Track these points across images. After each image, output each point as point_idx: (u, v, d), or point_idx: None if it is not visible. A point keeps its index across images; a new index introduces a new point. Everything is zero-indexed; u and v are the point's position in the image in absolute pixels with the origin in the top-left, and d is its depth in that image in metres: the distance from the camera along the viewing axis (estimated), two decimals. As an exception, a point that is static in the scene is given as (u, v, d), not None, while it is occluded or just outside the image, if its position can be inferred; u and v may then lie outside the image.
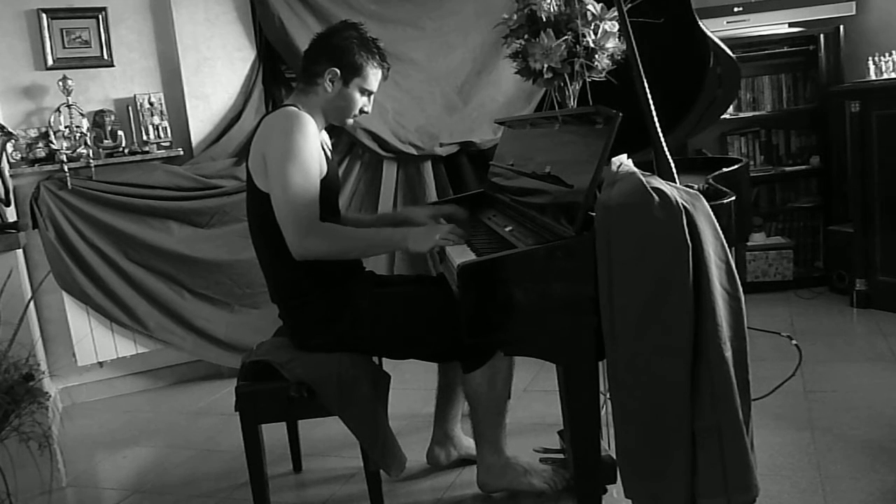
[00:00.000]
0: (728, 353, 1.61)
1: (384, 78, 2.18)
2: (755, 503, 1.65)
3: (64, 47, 3.43)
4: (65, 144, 3.31)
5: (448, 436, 2.43)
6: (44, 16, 3.38)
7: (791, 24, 3.97)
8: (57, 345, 3.41)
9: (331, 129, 3.75)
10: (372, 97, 2.17)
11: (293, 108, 2.04)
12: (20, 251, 3.13)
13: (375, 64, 2.11)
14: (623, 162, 1.81)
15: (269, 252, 2.10)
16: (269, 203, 1.98)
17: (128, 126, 3.50)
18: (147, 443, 2.99)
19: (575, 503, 2.03)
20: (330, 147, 2.26)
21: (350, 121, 2.18)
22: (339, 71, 2.07)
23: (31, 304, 3.05)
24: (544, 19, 1.96)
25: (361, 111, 2.16)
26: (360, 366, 2.04)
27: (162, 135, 3.53)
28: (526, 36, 2.02)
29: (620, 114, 1.65)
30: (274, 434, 2.40)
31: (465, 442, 2.42)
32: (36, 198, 3.28)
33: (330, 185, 2.11)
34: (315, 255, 1.97)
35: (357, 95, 2.12)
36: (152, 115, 3.52)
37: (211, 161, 3.58)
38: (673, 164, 1.80)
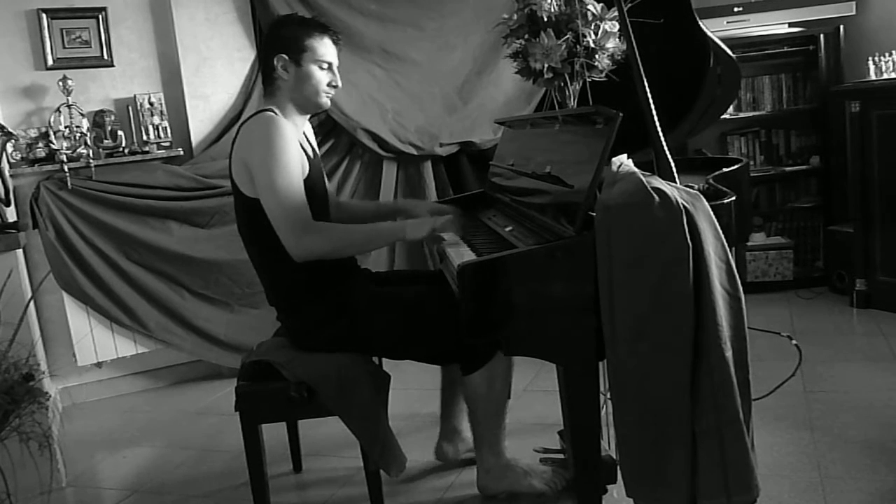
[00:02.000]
0: (728, 353, 1.61)
1: (337, 47, 2.15)
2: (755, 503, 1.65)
3: (64, 47, 3.42)
4: (65, 144, 3.31)
5: (456, 430, 2.42)
6: (44, 16, 3.37)
7: (791, 24, 3.97)
8: (57, 345, 3.41)
9: (330, 129, 3.78)
10: (335, 69, 2.14)
11: (268, 112, 2.04)
12: (20, 251, 3.13)
13: (317, 35, 2.10)
14: (623, 162, 1.81)
15: (263, 257, 2.10)
16: (258, 208, 1.98)
17: (128, 126, 3.50)
18: (147, 443, 2.99)
19: (575, 503, 2.03)
20: (314, 146, 2.25)
21: (325, 100, 2.14)
22: (286, 55, 2.07)
23: (31, 304, 3.04)
24: (545, 19, 1.96)
25: (331, 85, 2.13)
26: (360, 366, 2.04)
27: (162, 135, 3.53)
28: (526, 36, 2.02)
29: (621, 114, 1.65)
30: (274, 434, 2.40)
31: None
32: (36, 198, 3.28)
33: (314, 186, 2.09)
34: (314, 254, 1.97)
35: (316, 70, 2.09)
36: (152, 115, 3.52)
37: (211, 161, 3.57)
38: (673, 164, 1.80)
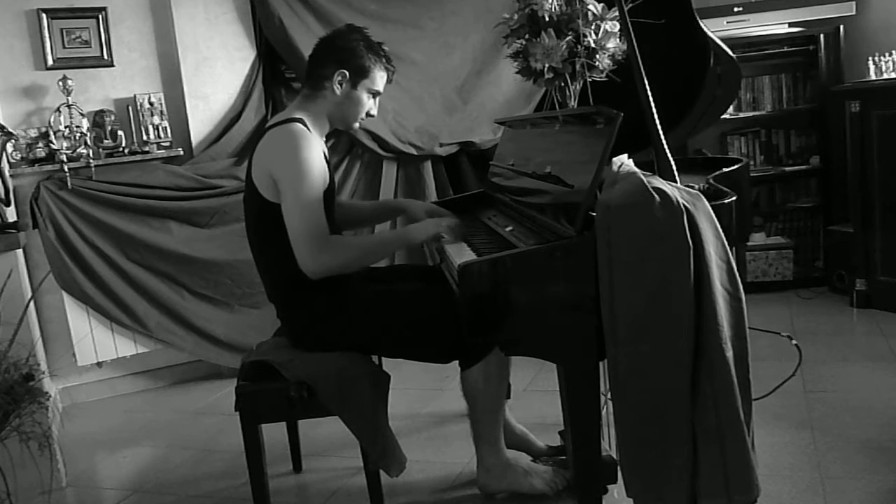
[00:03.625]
0: (729, 354, 1.61)
1: (389, 81, 2.20)
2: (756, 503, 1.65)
3: (64, 47, 3.42)
4: (65, 144, 3.31)
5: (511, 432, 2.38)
6: (44, 16, 3.37)
7: (791, 24, 3.97)
8: (57, 345, 3.41)
9: (330, 131, 3.77)
10: (377, 100, 2.20)
11: (298, 124, 2.05)
12: (20, 251, 3.13)
13: (382, 66, 2.15)
14: (624, 162, 1.81)
15: (266, 251, 2.11)
16: (276, 213, 2.00)
17: (128, 126, 3.49)
18: (147, 443, 2.99)
19: (575, 503, 2.03)
20: (327, 153, 2.27)
21: (357, 126, 2.21)
22: (347, 73, 2.09)
23: (31, 304, 3.05)
24: (545, 19, 1.96)
25: (368, 114, 2.19)
26: (360, 365, 2.04)
27: (162, 135, 3.53)
28: (527, 36, 2.02)
29: (621, 114, 1.65)
30: (274, 434, 2.40)
31: (517, 429, 2.36)
32: (36, 198, 3.28)
33: (331, 192, 2.13)
34: (328, 271, 1.99)
35: (365, 98, 2.15)
36: (152, 115, 3.51)
37: (211, 161, 3.58)
38: (673, 164, 1.80)
